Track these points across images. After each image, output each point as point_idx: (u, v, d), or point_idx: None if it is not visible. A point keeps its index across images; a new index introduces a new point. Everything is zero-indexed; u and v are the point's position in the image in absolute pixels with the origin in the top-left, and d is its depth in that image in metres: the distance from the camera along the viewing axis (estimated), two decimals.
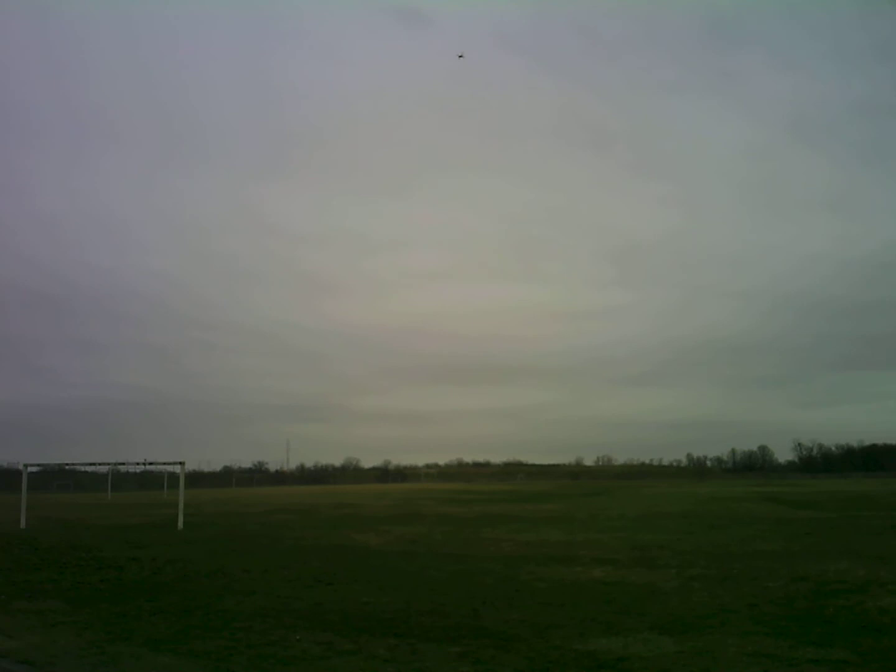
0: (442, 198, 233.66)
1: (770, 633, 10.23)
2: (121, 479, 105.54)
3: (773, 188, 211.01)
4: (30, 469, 42.06)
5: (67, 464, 70.61)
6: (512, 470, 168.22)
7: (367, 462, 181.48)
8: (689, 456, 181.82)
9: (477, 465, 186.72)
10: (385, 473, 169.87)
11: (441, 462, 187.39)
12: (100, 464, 56.91)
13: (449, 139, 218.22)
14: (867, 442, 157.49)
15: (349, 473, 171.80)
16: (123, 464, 56.82)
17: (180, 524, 31.91)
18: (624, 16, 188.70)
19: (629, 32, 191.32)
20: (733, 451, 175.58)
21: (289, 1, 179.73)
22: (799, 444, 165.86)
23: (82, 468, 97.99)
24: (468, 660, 9.29)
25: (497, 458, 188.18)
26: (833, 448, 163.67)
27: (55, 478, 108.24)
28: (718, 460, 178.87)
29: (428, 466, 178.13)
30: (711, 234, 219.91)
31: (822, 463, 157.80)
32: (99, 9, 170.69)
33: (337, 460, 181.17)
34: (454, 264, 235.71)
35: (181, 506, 33.32)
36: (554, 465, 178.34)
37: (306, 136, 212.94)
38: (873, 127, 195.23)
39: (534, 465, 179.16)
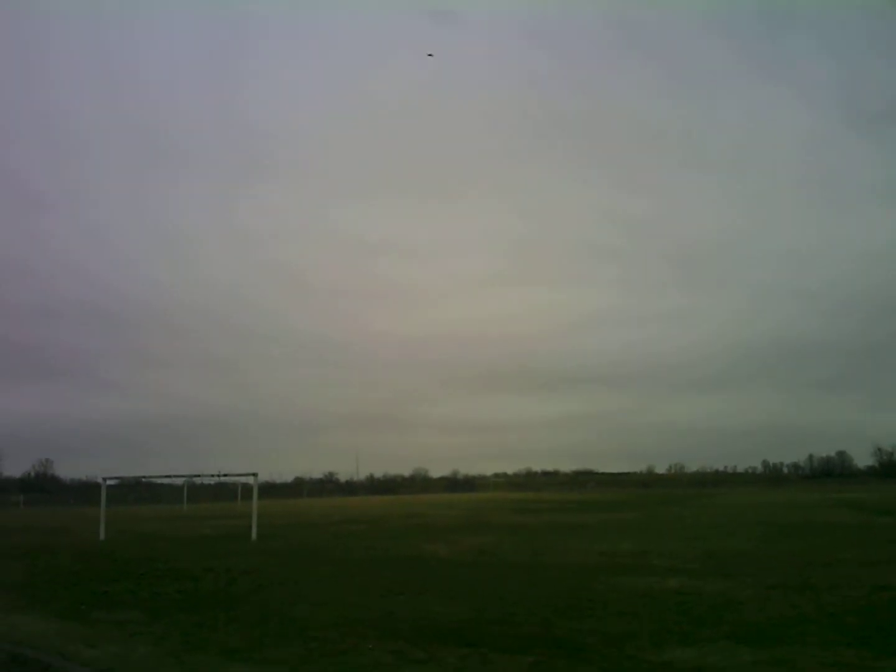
0: (492, 200, 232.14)
1: (851, 644, 9.90)
2: (196, 491, 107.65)
3: (834, 181, 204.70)
4: (108, 482, 43.23)
5: (144, 477, 72.55)
6: (582, 479, 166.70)
7: (436, 472, 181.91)
8: (764, 462, 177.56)
9: (546, 473, 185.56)
10: (454, 483, 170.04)
11: (509, 471, 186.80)
12: (175, 476, 58.33)
13: (493, 139, 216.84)
14: None
15: (418, 483, 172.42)
16: (199, 476, 58.14)
17: (254, 535, 32.37)
18: (662, 6, 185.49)
19: (671, 21, 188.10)
20: (810, 457, 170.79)
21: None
22: (879, 449, 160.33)
23: (158, 481, 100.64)
24: (540, 669, 9.22)
25: (566, 467, 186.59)
26: None
27: (133, 491, 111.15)
28: (795, 467, 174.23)
29: (496, 476, 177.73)
30: (773, 232, 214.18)
31: None
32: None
33: (406, 470, 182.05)
34: (508, 269, 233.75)
35: (254, 517, 33.80)
36: (625, 474, 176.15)
37: (347, 140, 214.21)
38: None
39: (604, 474, 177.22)
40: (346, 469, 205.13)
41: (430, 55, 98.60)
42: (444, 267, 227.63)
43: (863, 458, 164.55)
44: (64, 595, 16.57)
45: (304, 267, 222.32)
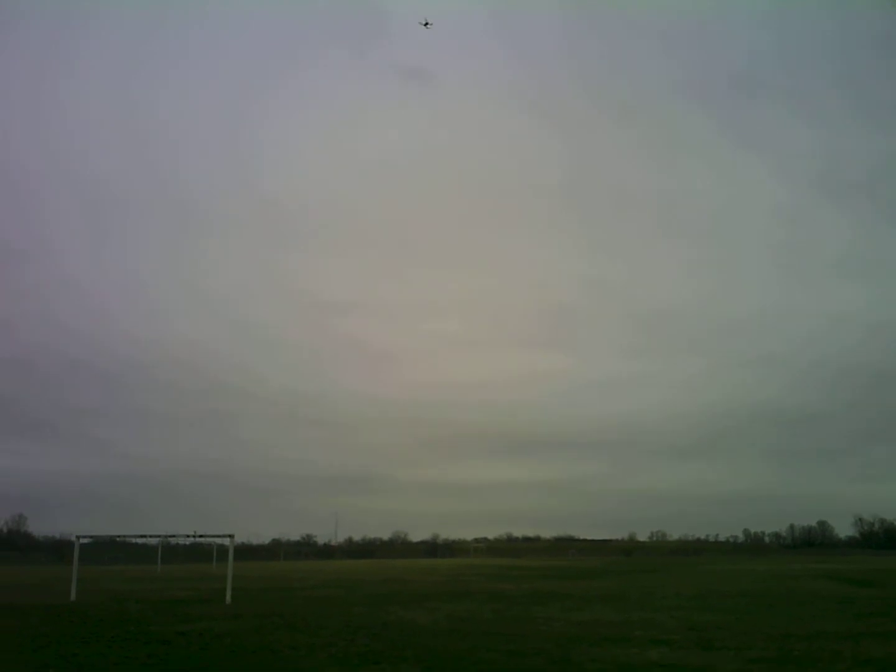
0: (467, 263, 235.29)
1: None
2: (170, 552, 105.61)
3: (802, 249, 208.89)
4: (82, 540, 42.33)
5: (119, 536, 71.32)
6: (563, 546, 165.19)
7: (416, 536, 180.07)
8: (745, 531, 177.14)
9: (527, 539, 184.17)
10: (433, 547, 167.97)
11: (490, 536, 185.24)
12: (150, 536, 57.25)
13: (471, 205, 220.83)
14: None
15: (397, 547, 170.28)
16: (174, 536, 57.23)
17: (228, 598, 31.70)
18: (639, 74, 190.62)
19: (646, 91, 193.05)
20: (792, 527, 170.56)
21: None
22: (859, 519, 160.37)
23: (133, 540, 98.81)
24: None
25: (547, 533, 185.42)
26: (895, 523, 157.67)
27: (106, 550, 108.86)
28: (776, 536, 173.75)
29: (477, 541, 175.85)
30: (741, 298, 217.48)
31: (884, 538, 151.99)
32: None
33: (385, 533, 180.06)
34: (483, 331, 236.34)
35: (230, 580, 33.18)
36: (606, 541, 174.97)
37: (329, 206, 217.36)
38: None
39: (585, 541, 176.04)
40: (325, 532, 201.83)
41: (426, 24, 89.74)
42: (419, 328, 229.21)
43: (844, 528, 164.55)
44: (31, 658, 16.10)
45: (273, 325, 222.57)
